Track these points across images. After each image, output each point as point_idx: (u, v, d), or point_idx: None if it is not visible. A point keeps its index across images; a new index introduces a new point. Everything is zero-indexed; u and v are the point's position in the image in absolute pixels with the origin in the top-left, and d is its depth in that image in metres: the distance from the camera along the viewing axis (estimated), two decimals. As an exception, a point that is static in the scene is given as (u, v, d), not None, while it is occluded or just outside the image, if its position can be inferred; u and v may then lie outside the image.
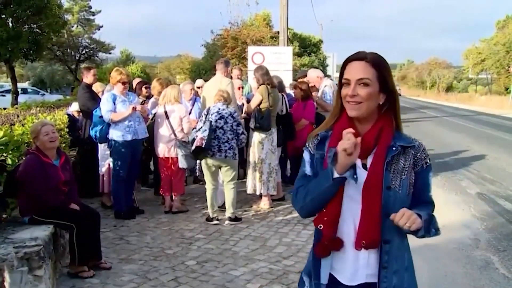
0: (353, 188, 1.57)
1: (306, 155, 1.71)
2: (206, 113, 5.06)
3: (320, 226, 1.61)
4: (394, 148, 1.59)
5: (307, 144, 1.73)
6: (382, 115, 1.62)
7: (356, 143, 1.48)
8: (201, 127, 4.98)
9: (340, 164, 1.51)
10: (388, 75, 1.60)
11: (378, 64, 1.58)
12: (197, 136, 4.96)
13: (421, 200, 1.64)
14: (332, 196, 1.58)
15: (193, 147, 4.96)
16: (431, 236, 1.60)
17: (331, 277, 1.66)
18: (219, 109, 5.04)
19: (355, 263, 1.62)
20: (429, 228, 1.56)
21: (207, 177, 5.18)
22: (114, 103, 5.16)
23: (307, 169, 1.69)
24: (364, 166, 1.60)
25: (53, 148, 3.71)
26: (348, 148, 1.47)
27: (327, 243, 1.61)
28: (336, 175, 1.53)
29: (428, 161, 1.63)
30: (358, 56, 1.60)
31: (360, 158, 1.58)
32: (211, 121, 4.94)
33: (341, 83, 1.63)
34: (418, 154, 1.62)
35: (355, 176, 1.53)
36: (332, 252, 1.62)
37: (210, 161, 5.06)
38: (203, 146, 4.84)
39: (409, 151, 1.62)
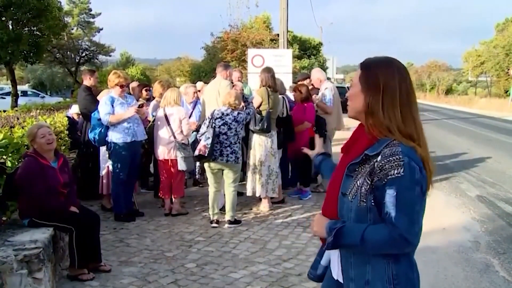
0: None
1: None
2: (210, 117, 5.02)
3: None
4: (361, 155, 1.54)
5: None
6: None
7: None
8: (205, 132, 4.95)
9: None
10: (370, 75, 1.56)
11: (363, 65, 1.62)
12: (200, 140, 4.95)
13: (381, 217, 1.48)
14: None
15: (196, 154, 4.94)
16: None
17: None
18: (222, 114, 5.00)
19: (331, 259, 1.76)
20: (334, 245, 1.54)
21: (210, 180, 5.18)
22: (113, 106, 5.16)
23: None
24: None
25: (50, 150, 3.70)
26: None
27: None
28: None
29: (393, 175, 1.43)
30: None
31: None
32: (215, 127, 4.92)
33: None
34: (380, 164, 1.46)
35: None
36: None
37: (212, 164, 5.06)
38: (206, 155, 4.84)
39: (371, 160, 1.50)
